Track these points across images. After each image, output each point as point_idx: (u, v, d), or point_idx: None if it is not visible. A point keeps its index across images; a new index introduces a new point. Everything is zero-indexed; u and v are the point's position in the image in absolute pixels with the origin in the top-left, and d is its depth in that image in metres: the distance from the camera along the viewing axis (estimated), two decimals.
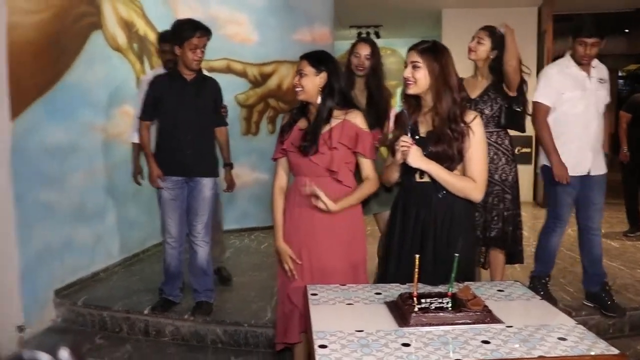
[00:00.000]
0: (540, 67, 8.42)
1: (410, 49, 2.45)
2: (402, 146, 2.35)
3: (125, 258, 5.01)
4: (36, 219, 3.83)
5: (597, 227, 3.77)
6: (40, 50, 3.86)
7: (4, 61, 3.53)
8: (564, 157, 3.59)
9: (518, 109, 3.55)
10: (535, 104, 3.66)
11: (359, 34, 10.75)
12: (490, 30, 3.55)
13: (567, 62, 3.68)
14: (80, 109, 4.35)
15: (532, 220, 7.04)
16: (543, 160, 3.76)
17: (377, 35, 10.83)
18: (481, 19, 8.91)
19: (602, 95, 3.67)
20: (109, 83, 4.75)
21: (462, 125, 2.36)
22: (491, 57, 3.54)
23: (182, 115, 3.65)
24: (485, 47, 3.52)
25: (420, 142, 2.41)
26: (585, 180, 3.67)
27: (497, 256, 3.62)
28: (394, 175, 2.54)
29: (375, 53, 3.64)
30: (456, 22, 8.63)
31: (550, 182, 3.69)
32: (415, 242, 2.46)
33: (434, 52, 2.39)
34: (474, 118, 2.39)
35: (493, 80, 3.55)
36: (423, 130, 2.46)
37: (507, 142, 3.56)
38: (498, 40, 3.50)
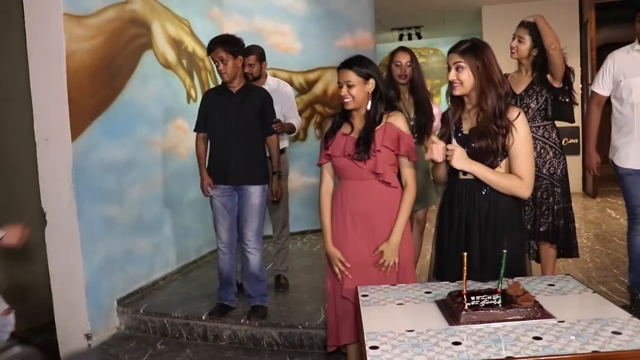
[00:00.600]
0: (583, 58, 8.19)
1: (450, 51, 2.42)
2: (440, 154, 2.36)
3: (183, 266, 5.09)
4: (98, 232, 3.94)
5: None
6: (95, 74, 3.96)
7: (64, 87, 3.65)
8: (627, 148, 3.43)
9: (565, 100, 3.46)
10: (590, 92, 3.59)
11: (401, 35, 10.69)
12: (529, 27, 3.45)
13: (632, 45, 3.44)
14: (136, 126, 4.45)
15: (582, 211, 6.85)
16: (610, 154, 3.59)
17: (419, 36, 10.75)
18: (521, 14, 8.71)
19: None
20: (162, 99, 4.84)
21: (507, 121, 2.32)
22: (533, 54, 3.46)
23: (228, 125, 3.71)
24: (526, 46, 3.45)
25: (464, 139, 2.40)
26: None
27: (548, 250, 3.53)
28: (441, 173, 2.55)
29: (414, 59, 3.69)
30: (496, 18, 8.48)
31: (617, 175, 3.51)
32: (461, 239, 2.44)
33: (474, 51, 2.37)
34: (518, 115, 2.34)
35: (537, 74, 3.48)
36: (466, 127, 2.44)
37: (554, 135, 3.48)
38: (538, 36, 3.41)
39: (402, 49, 3.76)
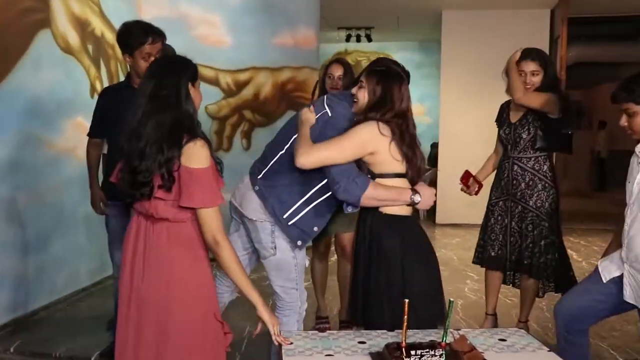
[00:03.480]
0: None
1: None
2: None
3: (72, 293, 4.93)
4: None
5: None
6: None
7: None
8: None
9: (564, 131, 3.78)
10: None
11: (349, 36, 10.82)
12: (539, 58, 3.74)
13: None
14: (24, 120, 4.29)
15: None
16: None
17: (369, 38, 10.92)
18: (486, 22, 9.00)
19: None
20: (59, 90, 4.71)
21: None
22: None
23: None
24: (540, 77, 3.74)
25: None
26: None
27: (527, 285, 3.88)
28: None
29: (347, 72, 3.98)
30: (457, 24, 8.70)
31: None
32: (357, 268, 2.71)
33: (373, 74, 2.64)
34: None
35: None
36: None
37: (545, 167, 3.78)
38: (547, 63, 3.78)
39: (337, 61, 4.08)
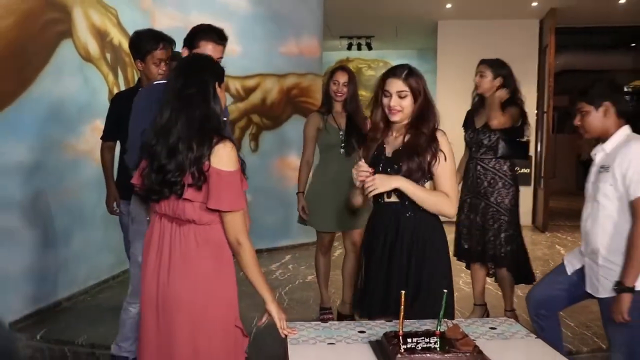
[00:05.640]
0: (540, 84, 8.50)
1: (391, 77, 2.53)
2: (362, 178, 2.40)
3: (92, 285, 4.96)
4: None
5: None
6: (1, 62, 3.83)
7: None
8: None
9: (520, 140, 3.96)
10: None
11: (350, 44, 10.85)
12: (489, 63, 3.94)
13: None
14: (47, 125, 4.31)
15: (530, 247, 6.99)
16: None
17: (369, 47, 10.93)
18: (479, 31, 8.99)
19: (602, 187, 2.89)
20: (80, 96, 4.73)
21: (437, 142, 2.48)
22: (497, 85, 3.89)
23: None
24: (488, 79, 3.90)
25: (387, 163, 2.51)
26: None
27: (501, 273, 3.99)
28: (358, 198, 2.65)
29: (352, 79, 4.09)
30: (452, 33, 8.72)
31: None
32: (384, 266, 2.52)
33: (415, 76, 2.52)
34: (443, 136, 2.51)
35: None
36: (389, 150, 2.55)
37: (505, 167, 3.93)
38: (499, 68, 3.90)
39: (342, 68, 4.17)
